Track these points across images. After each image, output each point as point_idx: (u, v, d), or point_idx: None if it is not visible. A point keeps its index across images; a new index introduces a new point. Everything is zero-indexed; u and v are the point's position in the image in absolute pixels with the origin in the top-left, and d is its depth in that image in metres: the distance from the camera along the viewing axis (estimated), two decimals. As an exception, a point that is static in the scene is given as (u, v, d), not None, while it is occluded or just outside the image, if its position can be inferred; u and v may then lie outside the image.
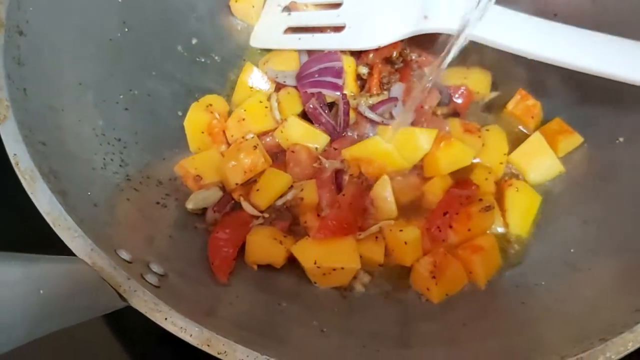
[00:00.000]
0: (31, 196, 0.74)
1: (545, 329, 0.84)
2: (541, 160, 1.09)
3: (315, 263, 0.94)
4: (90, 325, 0.97)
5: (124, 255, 0.75)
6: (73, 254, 0.71)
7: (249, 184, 1.04)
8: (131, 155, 0.99)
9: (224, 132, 1.09)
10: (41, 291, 0.52)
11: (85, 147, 0.92)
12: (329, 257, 0.95)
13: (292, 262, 0.99)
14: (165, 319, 0.69)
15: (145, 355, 1.06)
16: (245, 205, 1.01)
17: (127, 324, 1.05)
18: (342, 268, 0.95)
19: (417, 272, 0.98)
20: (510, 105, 1.16)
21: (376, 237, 1.01)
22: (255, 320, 0.85)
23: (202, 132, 1.07)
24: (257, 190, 1.02)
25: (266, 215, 1.02)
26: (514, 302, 0.94)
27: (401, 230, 0.99)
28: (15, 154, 0.76)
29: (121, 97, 1.04)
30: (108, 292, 0.67)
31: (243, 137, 1.06)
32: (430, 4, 1.03)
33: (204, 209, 1.02)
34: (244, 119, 1.07)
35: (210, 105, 1.09)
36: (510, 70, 1.16)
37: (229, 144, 1.09)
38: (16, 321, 0.49)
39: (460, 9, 0.98)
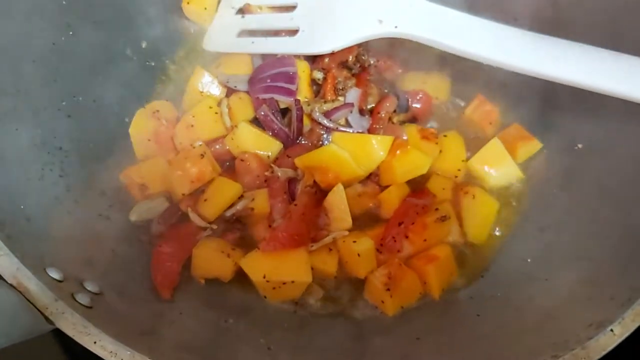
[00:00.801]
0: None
1: (499, 343, 0.82)
2: (500, 166, 1.08)
3: (264, 277, 0.91)
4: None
5: (55, 274, 0.71)
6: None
7: (197, 193, 1.00)
8: (73, 165, 0.95)
9: (172, 139, 1.05)
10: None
11: (21, 157, 0.87)
12: (278, 270, 0.92)
13: (242, 275, 0.95)
14: (95, 342, 0.65)
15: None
16: (192, 216, 0.97)
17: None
18: (293, 282, 0.92)
19: (371, 284, 0.95)
20: (468, 111, 1.14)
21: (330, 249, 0.98)
22: (198, 339, 0.81)
23: (149, 140, 1.03)
24: (205, 200, 0.98)
25: (214, 226, 0.98)
26: (468, 315, 0.92)
27: (354, 242, 0.96)
28: None
29: (64, 103, 1.00)
30: (31, 315, 0.63)
31: (191, 145, 1.02)
32: (384, 8, 1.00)
33: (149, 221, 0.98)
34: (192, 125, 1.03)
35: (158, 111, 1.05)
36: (469, 75, 1.13)
37: (177, 152, 1.04)
38: None
39: (415, 14, 0.96)
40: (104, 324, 0.67)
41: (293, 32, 1.09)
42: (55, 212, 0.87)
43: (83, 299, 0.70)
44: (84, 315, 0.67)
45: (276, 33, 1.12)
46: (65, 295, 0.68)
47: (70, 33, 1.03)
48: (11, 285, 0.65)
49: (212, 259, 0.94)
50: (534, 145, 1.09)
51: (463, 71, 1.13)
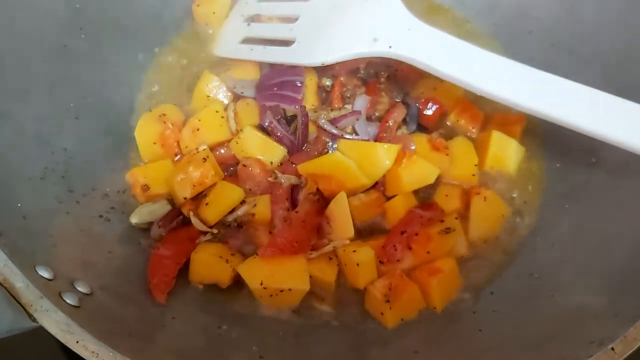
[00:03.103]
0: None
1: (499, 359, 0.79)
2: (511, 152, 1.06)
3: (261, 284, 0.89)
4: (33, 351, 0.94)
5: (44, 272, 0.71)
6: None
7: (199, 197, 0.99)
8: (77, 166, 0.95)
9: (178, 143, 1.04)
10: None
11: (24, 156, 0.88)
12: (276, 277, 0.90)
13: (240, 282, 0.93)
14: (77, 342, 0.64)
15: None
16: (194, 220, 0.96)
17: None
18: (290, 289, 0.90)
19: (370, 295, 0.93)
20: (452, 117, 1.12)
21: (330, 258, 0.96)
22: (188, 344, 0.80)
23: (154, 143, 1.03)
24: (207, 204, 0.97)
25: (215, 231, 0.97)
26: (469, 329, 0.89)
27: (354, 251, 0.94)
28: None
29: (72, 105, 1.01)
30: (13, 312, 0.62)
31: (197, 149, 1.01)
32: (381, 27, 0.99)
33: (150, 224, 0.97)
34: (198, 129, 1.03)
35: (164, 115, 1.05)
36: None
37: (183, 155, 1.04)
38: None
39: (411, 36, 0.96)
40: (90, 324, 0.67)
41: (290, 43, 1.08)
42: (55, 212, 0.87)
43: (71, 298, 0.70)
44: (69, 314, 0.66)
45: (275, 42, 1.11)
46: (52, 293, 0.68)
47: (82, 36, 1.04)
48: (-4, 281, 0.65)
49: (210, 264, 0.93)
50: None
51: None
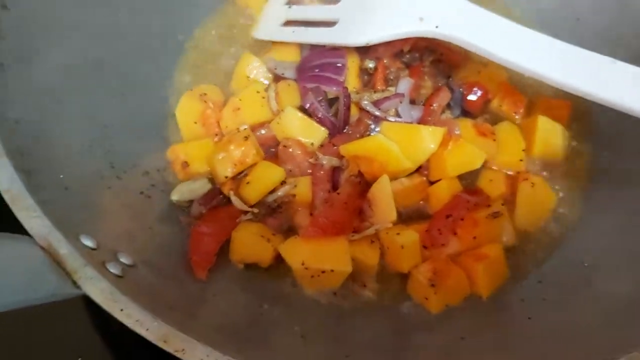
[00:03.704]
0: (-8, 173, 0.69)
1: (548, 347, 0.76)
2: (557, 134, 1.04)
3: (303, 264, 0.87)
4: (73, 319, 0.93)
5: (88, 241, 0.70)
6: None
7: (240, 177, 0.98)
8: (118, 142, 0.94)
9: (218, 122, 1.03)
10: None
11: (66, 130, 0.87)
12: (318, 258, 0.88)
13: (281, 262, 0.91)
14: (121, 310, 0.63)
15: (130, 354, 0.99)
16: (234, 199, 0.94)
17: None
18: (332, 270, 0.88)
19: (415, 279, 0.90)
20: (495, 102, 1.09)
21: (371, 241, 0.93)
22: (230, 320, 0.78)
23: (195, 122, 1.02)
24: (248, 183, 0.95)
25: (256, 210, 0.95)
26: (518, 317, 0.86)
27: (398, 234, 0.91)
28: (-23, 130, 0.71)
29: (113, 81, 1.00)
30: (57, 277, 0.61)
31: (237, 129, 1.00)
32: (428, 6, 0.96)
33: (190, 202, 0.96)
34: (239, 109, 1.01)
35: (205, 94, 1.04)
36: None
37: (222, 136, 1.03)
38: None
39: (458, 16, 0.93)
40: (133, 294, 0.65)
41: (332, 24, 1.06)
42: (96, 186, 0.86)
43: (114, 268, 0.69)
44: (112, 283, 0.65)
45: (317, 24, 1.09)
46: (95, 262, 0.66)
47: (127, 15, 1.03)
48: (42, 248, 0.64)
49: (252, 243, 0.91)
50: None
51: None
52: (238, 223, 0.94)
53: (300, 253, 0.89)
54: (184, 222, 0.94)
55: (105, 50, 0.99)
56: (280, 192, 0.96)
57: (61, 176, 0.79)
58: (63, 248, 0.65)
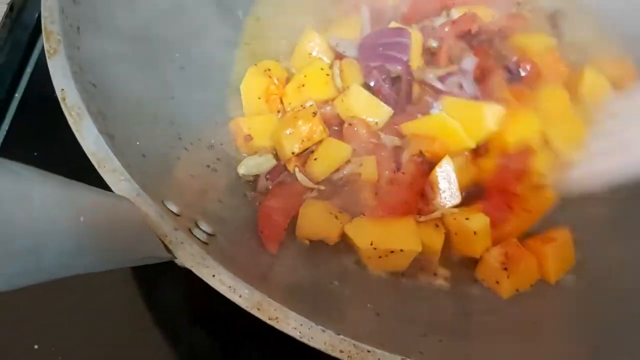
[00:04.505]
0: (76, 134, 0.67)
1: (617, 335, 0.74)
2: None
3: (371, 244, 0.86)
4: (124, 297, 0.92)
5: (172, 207, 0.69)
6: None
7: (306, 154, 0.96)
8: (182, 115, 0.93)
9: (281, 99, 1.02)
10: (82, 219, 0.45)
11: (134, 98, 0.86)
12: (387, 237, 0.87)
13: (345, 242, 0.90)
14: (213, 275, 0.61)
15: (178, 334, 0.98)
16: (300, 176, 0.93)
17: (162, 300, 0.97)
18: (401, 250, 0.86)
19: (486, 263, 0.89)
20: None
21: (436, 225, 0.92)
22: (306, 294, 0.77)
23: (259, 98, 1.00)
24: (315, 159, 0.94)
25: (322, 187, 0.94)
26: (593, 304, 0.84)
27: (467, 219, 0.89)
28: (62, 89, 0.70)
29: (177, 55, 0.99)
30: (153, 239, 0.60)
31: (302, 105, 0.98)
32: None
33: (256, 177, 0.95)
34: (304, 85, 1.00)
35: (269, 70, 1.02)
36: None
37: (285, 112, 1.01)
38: (50, 245, 0.42)
39: None
40: (221, 261, 0.64)
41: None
42: (167, 155, 0.85)
43: (200, 234, 0.68)
44: (202, 248, 0.63)
45: None
46: (183, 227, 0.65)
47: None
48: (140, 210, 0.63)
49: (319, 219, 0.89)
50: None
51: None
52: (304, 199, 0.92)
53: (369, 233, 0.87)
54: (250, 196, 0.93)
55: (170, 23, 0.98)
56: (346, 171, 0.95)
57: (138, 143, 0.78)
58: (152, 211, 0.64)
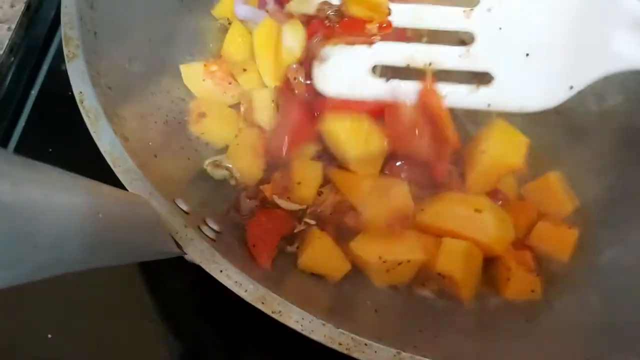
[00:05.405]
0: (93, 135, 0.71)
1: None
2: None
3: (380, 257, 0.85)
4: (132, 289, 0.96)
5: (183, 205, 0.72)
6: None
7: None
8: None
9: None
10: (100, 215, 0.49)
11: (149, 100, 0.91)
12: (394, 249, 0.87)
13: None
14: (221, 271, 0.65)
15: (182, 325, 1.01)
16: (282, 202, 0.92)
17: (167, 293, 1.01)
18: (409, 261, 0.86)
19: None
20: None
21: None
22: (316, 297, 0.81)
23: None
24: (299, 183, 0.92)
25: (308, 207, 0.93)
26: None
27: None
28: (81, 92, 0.73)
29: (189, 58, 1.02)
30: (165, 235, 0.64)
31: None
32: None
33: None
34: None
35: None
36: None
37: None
38: (71, 240, 0.46)
39: None
40: (228, 258, 0.67)
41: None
42: (177, 157, 0.89)
43: (208, 232, 0.71)
44: (210, 245, 0.67)
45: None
46: (192, 224, 0.68)
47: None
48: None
49: (326, 256, 0.88)
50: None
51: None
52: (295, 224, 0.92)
53: (375, 248, 0.87)
54: (235, 219, 0.91)
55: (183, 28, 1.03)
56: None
57: (150, 143, 0.82)
58: (164, 210, 0.67)
